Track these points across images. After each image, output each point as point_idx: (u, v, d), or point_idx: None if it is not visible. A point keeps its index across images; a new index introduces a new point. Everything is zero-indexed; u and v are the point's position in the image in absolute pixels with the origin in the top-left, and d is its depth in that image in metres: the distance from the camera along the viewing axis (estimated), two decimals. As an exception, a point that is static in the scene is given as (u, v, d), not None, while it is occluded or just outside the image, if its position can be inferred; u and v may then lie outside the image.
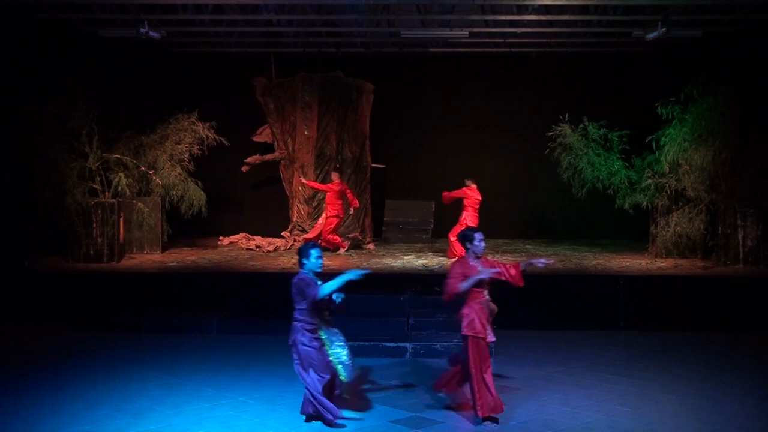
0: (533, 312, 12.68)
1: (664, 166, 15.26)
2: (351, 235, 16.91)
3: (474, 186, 15.22)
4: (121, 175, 15.36)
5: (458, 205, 15.44)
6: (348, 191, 16.21)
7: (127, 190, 15.42)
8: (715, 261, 15.02)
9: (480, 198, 15.12)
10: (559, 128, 15.90)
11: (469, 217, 15.00)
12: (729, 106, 14.77)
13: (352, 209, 16.34)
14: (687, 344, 11.92)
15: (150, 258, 15.73)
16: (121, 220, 15.46)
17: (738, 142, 14.79)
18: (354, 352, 11.27)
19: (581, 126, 15.92)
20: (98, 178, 15.38)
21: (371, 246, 17.24)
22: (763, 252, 14.76)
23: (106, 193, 15.38)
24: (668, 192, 15.33)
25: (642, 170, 15.64)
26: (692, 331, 12.53)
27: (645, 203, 15.57)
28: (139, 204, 15.82)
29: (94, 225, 15.04)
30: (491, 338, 8.42)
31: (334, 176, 16.28)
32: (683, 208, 15.34)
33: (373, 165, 18.18)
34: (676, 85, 15.15)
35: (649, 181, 15.45)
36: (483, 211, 15.23)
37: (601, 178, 15.68)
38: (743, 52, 15.35)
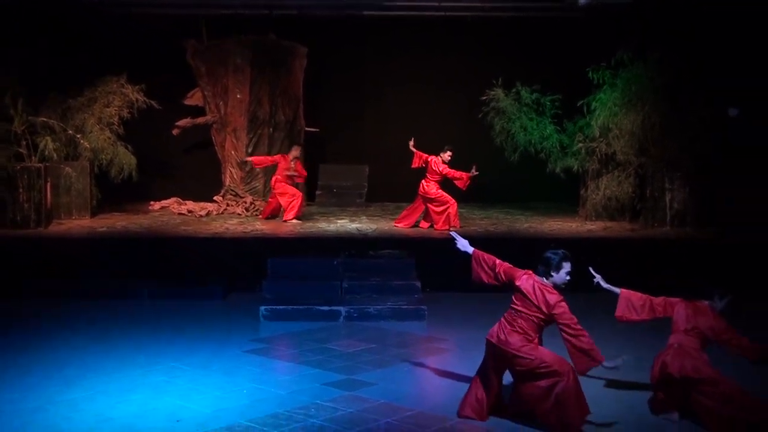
0: (468, 274, 12.76)
1: (595, 131, 15.47)
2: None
3: (446, 156, 14.77)
4: (48, 138, 14.98)
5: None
6: (299, 166, 15.88)
7: (55, 154, 15.04)
8: (643, 223, 15.33)
9: (443, 170, 14.76)
10: (493, 92, 15.97)
11: (425, 186, 14.86)
12: (658, 71, 14.98)
13: (297, 179, 16.07)
14: (614, 305, 12.12)
15: (79, 223, 15.43)
16: (49, 184, 15.11)
17: (666, 107, 15.03)
18: (287, 316, 11.39)
19: (514, 90, 16.01)
20: (24, 142, 14.96)
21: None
22: (690, 214, 15.12)
23: (33, 157, 15.00)
24: (598, 156, 15.57)
25: (573, 134, 15.83)
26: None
27: (576, 167, 15.78)
28: (66, 168, 15.47)
29: (20, 190, 14.66)
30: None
31: (295, 151, 15.93)
32: (613, 172, 15.59)
33: (307, 129, 18.08)
34: (608, 50, 15.30)
35: (580, 145, 15.65)
36: (419, 174, 15.14)
37: (533, 142, 15.83)
38: (673, 18, 15.55)
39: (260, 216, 15.98)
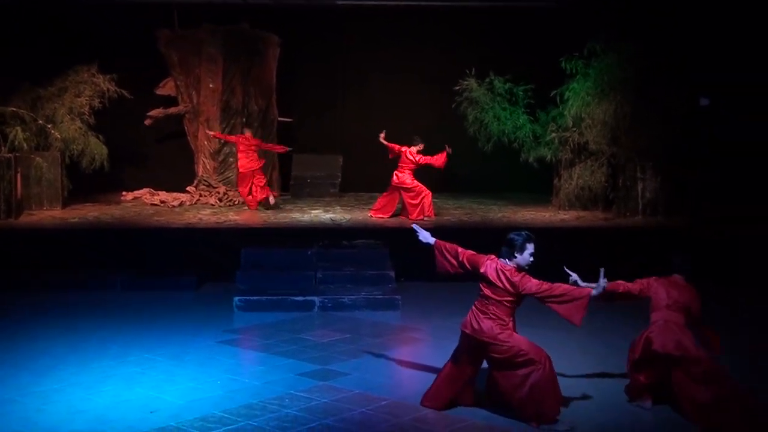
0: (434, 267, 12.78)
1: (568, 120, 15.54)
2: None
3: (417, 147, 14.83)
4: (18, 128, 14.83)
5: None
6: (262, 144, 16.08)
7: (25, 144, 14.90)
8: (615, 212, 15.43)
9: (417, 160, 14.81)
10: (466, 82, 15.99)
11: (399, 176, 14.88)
12: (630, 61, 15.07)
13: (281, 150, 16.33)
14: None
15: (50, 214, 15.29)
16: (19, 175, 14.96)
17: (638, 96, 15.13)
18: (261, 307, 11.36)
19: (487, 80, 16.03)
20: (-7, 132, 14.85)
21: (275, 193, 16.83)
22: (661, 203, 15.24)
23: (2, 147, 14.82)
24: (571, 145, 15.64)
25: (546, 124, 15.88)
26: (593, 281, 12.82)
27: (549, 157, 15.85)
28: (37, 159, 15.31)
29: (-10, 180, 14.54)
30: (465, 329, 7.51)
31: (246, 131, 16.12)
32: (585, 162, 15.67)
33: (280, 119, 18.01)
34: (581, 40, 15.36)
35: (553, 134, 15.71)
36: (392, 164, 15.15)
37: (506, 131, 15.86)
38: (645, 9, 15.62)
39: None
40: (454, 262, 7.65)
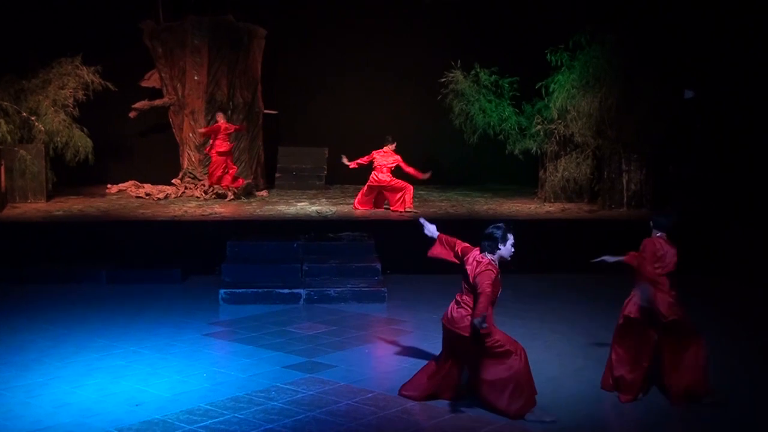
0: (426, 256, 12.81)
1: (553, 113, 15.57)
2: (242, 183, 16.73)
3: (390, 148, 14.94)
4: (1, 121, 14.74)
5: (361, 153, 15.27)
6: (231, 127, 16.30)
7: (8, 137, 14.82)
8: (600, 204, 15.49)
9: (393, 160, 14.87)
10: (452, 74, 15.99)
11: (378, 175, 14.90)
12: (615, 53, 15.11)
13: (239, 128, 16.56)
14: (574, 286, 12.29)
15: (34, 207, 15.21)
16: (2, 168, 14.89)
17: (623, 89, 15.17)
18: (247, 300, 11.35)
19: (473, 73, 16.04)
20: (-24, 125, 14.74)
21: (264, 193, 17.10)
22: (646, 195, 15.30)
23: (-15, 139, 14.79)
24: (557, 138, 15.67)
25: (532, 116, 15.90)
26: (579, 273, 12.88)
27: (534, 149, 15.87)
28: (21, 151, 15.23)
29: (-26, 173, 14.46)
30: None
31: (219, 117, 16.27)
32: (571, 154, 15.71)
33: (266, 111, 17.96)
34: (566, 32, 15.39)
35: (539, 127, 15.74)
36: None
37: (492, 124, 15.87)
38: (630, 1, 15.65)
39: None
40: (449, 249, 7.70)
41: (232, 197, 15.89)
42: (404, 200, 14.79)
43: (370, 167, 15.01)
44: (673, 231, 7.82)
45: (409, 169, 14.84)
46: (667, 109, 14.99)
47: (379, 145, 15.00)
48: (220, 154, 16.31)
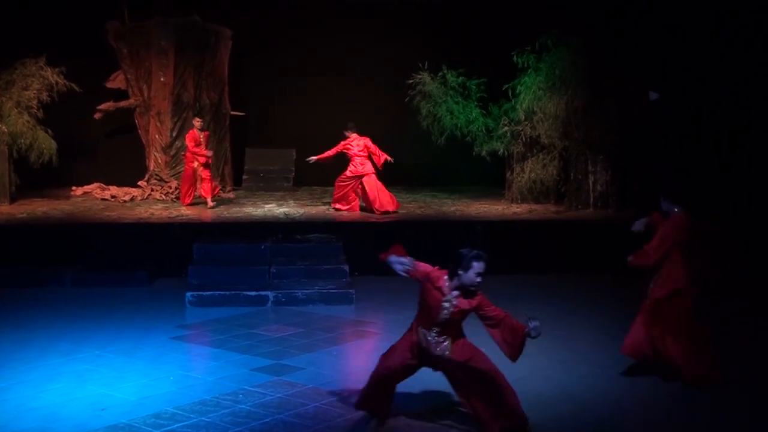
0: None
1: (520, 114, 15.66)
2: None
3: (353, 134, 15.03)
4: (-36, 122, 14.60)
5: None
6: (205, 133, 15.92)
7: (-30, 139, 14.67)
8: (567, 205, 15.60)
9: (364, 144, 14.96)
10: (419, 76, 16.02)
11: (357, 165, 14.91)
12: (581, 55, 15.23)
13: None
14: (541, 286, 12.36)
15: (-3, 210, 15.06)
16: (-35, 170, 14.73)
17: (589, 90, 15.29)
18: (214, 302, 11.30)
19: (440, 74, 16.08)
20: (-62, 126, 14.55)
21: (231, 194, 17.03)
22: (612, 196, 15.43)
23: (-52, 141, 14.59)
24: (523, 139, 15.76)
25: (499, 118, 15.98)
26: (546, 274, 12.98)
27: (501, 150, 15.95)
28: (-17, 153, 15.08)
29: (-65, 176, 14.25)
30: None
31: (196, 122, 15.70)
32: (537, 155, 15.82)
33: (233, 113, 17.88)
34: (532, 34, 15.47)
35: (506, 128, 15.82)
36: (345, 158, 15.18)
37: (459, 125, 15.91)
38: (596, 3, 15.78)
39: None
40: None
41: (213, 204, 15.54)
42: (385, 197, 14.79)
43: (342, 161, 14.95)
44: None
45: (377, 154, 14.91)
46: (632, 110, 15.12)
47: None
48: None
